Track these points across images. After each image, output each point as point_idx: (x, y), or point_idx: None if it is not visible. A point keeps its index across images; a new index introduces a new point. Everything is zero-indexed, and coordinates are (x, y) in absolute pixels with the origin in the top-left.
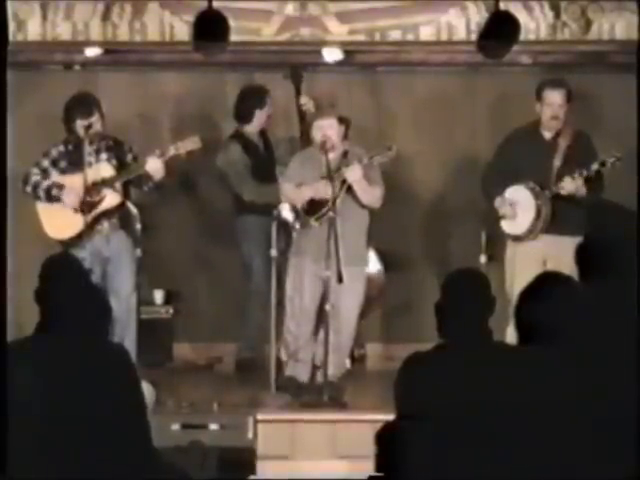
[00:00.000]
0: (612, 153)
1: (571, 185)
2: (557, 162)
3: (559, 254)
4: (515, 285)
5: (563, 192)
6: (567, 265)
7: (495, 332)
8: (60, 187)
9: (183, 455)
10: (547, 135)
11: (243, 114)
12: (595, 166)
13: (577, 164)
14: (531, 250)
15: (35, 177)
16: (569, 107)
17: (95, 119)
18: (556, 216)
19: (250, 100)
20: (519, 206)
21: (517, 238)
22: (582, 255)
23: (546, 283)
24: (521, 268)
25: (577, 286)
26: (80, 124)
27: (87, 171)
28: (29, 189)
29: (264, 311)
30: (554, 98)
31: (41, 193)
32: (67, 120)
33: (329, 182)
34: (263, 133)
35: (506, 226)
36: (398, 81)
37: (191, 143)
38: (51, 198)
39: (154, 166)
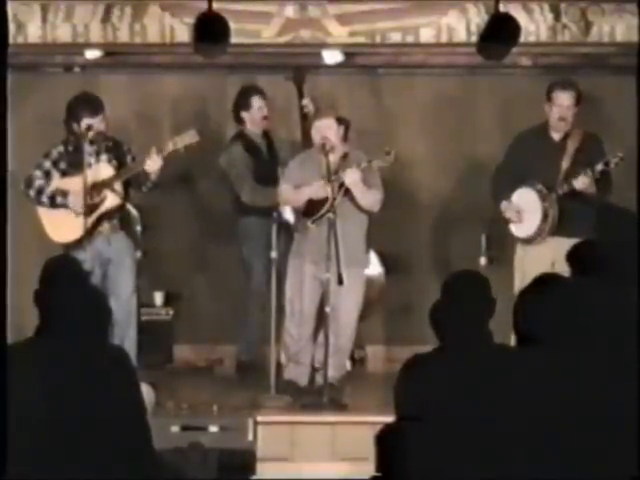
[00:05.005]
0: (615, 153)
1: (584, 181)
2: (565, 164)
3: None
4: None
5: (578, 187)
6: None
7: (502, 335)
8: (64, 194)
9: (183, 457)
10: (556, 137)
11: (235, 116)
12: (600, 166)
13: (585, 166)
14: (539, 252)
15: (39, 181)
16: (579, 109)
17: (99, 119)
18: (564, 218)
19: (238, 101)
20: (526, 209)
21: (525, 241)
22: (580, 255)
23: (545, 285)
24: (530, 270)
25: (576, 287)
26: (86, 122)
27: (87, 172)
28: (32, 193)
29: (264, 313)
30: (563, 99)
31: (45, 199)
32: (70, 119)
33: (327, 183)
34: (266, 134)
35: (514, 229)
36: (398, 83)
37: (188, 137)
38: (55, 205)
39: (153, 163)
